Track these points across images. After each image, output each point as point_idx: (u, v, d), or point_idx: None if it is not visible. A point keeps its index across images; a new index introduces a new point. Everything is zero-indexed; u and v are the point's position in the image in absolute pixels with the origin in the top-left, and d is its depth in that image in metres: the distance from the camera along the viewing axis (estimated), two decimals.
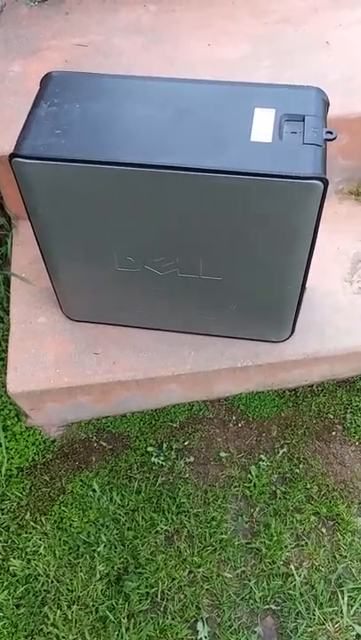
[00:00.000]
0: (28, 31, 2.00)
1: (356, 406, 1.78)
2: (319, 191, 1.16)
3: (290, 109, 1.23)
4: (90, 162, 1.20)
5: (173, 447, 1.73)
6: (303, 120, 1.21)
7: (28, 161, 1.22)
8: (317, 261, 1.39)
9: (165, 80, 1.35)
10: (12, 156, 1.22)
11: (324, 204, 1.20)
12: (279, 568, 1.56)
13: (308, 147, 1.17)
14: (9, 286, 1.77)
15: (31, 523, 1.63)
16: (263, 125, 1.21)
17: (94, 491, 1.66)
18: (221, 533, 1.60)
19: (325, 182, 1.15)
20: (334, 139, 1.19)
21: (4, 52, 1.93)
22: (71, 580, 1.55)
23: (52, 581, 1.55)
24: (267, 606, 1.52)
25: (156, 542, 1.59)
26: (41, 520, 1.63)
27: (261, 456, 1.71)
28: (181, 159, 1.18)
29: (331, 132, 1.19)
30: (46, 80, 1.34)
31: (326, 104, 1.27)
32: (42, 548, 1.59)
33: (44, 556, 1.58)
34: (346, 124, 1.72)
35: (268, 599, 1.53)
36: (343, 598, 1.52)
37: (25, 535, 1.61)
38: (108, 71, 1.80)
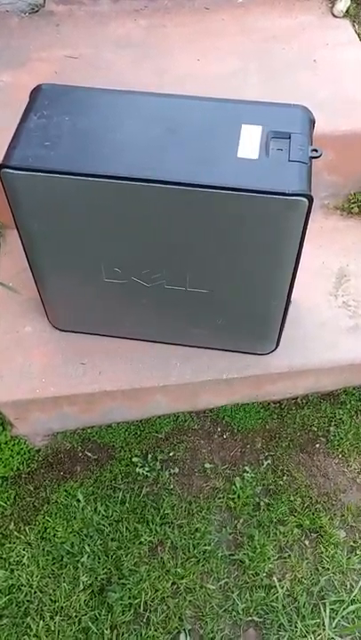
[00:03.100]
0: (19, 42, 2.01)
1: (340, 419, 1.80)
2: (304, 207, 1.18)
3: (276, 127, 1.25)
4: (78, 174, 1.22)
5: (158, 458, 1.73)
6: (289, 137, 1.23)
7: (17, 172, 1.23)
8: (303, 276, 1.41)
9: (155, 95, 1.37)
10: (1, 166, 1.23)
11: (310, 219, 1.23)
12: (262, 580, 1.57)
13: (293, 164, 1.20)
14: None
15: (15, 532, 1.62)
16: (250, 142, 1.23)
17: (79, 501, 1.66)
18: (205, 545, 1.60)
19: (310, 199, 1.17)
20: (319, 156, 1.22)
21: None
22: (54, 590, 1.55)
23: (36, 592, 1.55)
24: (249, 618, 1.53)
25: (139, 553, 1.59)
26: (25, 530, 1.63)
27: (246, 468, 1.72)
28: (169, 174, 1.20)
29: (316, 150, 1.22)
30: (36, 92, 1.36)
31: (312, 122, 1.30)
32: (25, 558, 1.58)
33: (28, 567, 1.57)
34: (332, 141, 1.75)
35: (251, 611, 1.53)
36: (325, 611, 1.53)
37: (8, 545, 1.61)
38: (98, 84, 1.80)
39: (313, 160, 1.24)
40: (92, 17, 2.09)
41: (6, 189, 1.28)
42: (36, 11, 2.09)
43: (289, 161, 1.20)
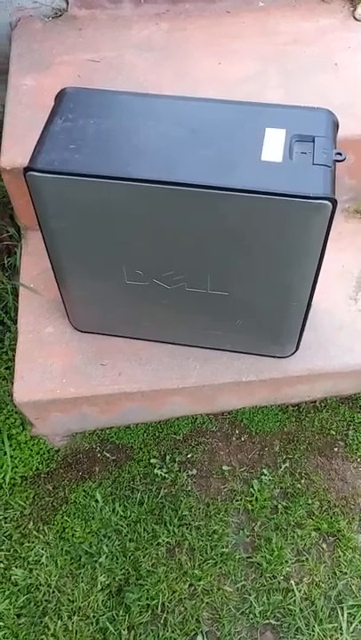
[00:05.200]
0: (42, 46, 2.03)
1: (359, 423, 1.79)
2: (328, 211, 1.18)
3: (300, 130, 1.25)
4: (103, 177, 1.22)
5: (176, 459, 1.74)
6: (313, 141, 1.23)
7: (43, 175, 1.24)
8: (323, 279, 1.40)
9: (178, 98, 1.37)
10: (27, 169, 1.24)
11: None
12: (279, 583, 1.56)
13: (317, 167, 1.19)
14: (17, 296, 1.78)
15: (34, 532, 1.64)
16: (274, 145, 1.23)
17: (97, 501, 1.67)
18: (222, 547, 1.61)
19: (334, 202, 1.17)
20: (343, 160, 1.22)
21: (18, 65, 1.96)
22: (72, 590, 1.56)
23: (54, 591, 1.56)
24: (266, 621, 1.53)
25: (157, 554, 1.60)
26: (44, 529, 1.64)
27: (264, 470, 1.72)
28: (193, 176, 1.20)
29: (340, 154, 1.22)
30: (61, 96, 1.37)
31: (336, 125, 1.29)
32: (44, 557, 1.60)
33: (46, 566, 1.59)
34: (353, 145, 1.74)
35: (268, 614, 1.53)
36: (343, 615, 1.52)
37: (27, 544, 1.62)
38: (120, 87, 1.83)
39: (336, 164, 1.24)
40: (114, 21, 2.11)
41: (31, 192, 1.29)
42: (59, 15, 2.11)
43: (313, 164, 1.19)
